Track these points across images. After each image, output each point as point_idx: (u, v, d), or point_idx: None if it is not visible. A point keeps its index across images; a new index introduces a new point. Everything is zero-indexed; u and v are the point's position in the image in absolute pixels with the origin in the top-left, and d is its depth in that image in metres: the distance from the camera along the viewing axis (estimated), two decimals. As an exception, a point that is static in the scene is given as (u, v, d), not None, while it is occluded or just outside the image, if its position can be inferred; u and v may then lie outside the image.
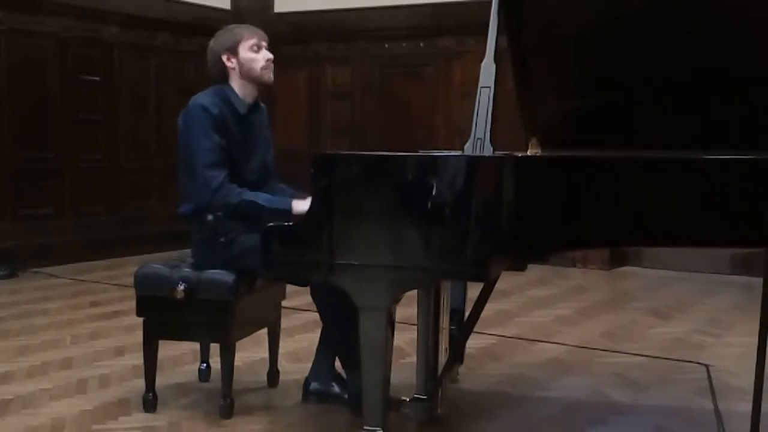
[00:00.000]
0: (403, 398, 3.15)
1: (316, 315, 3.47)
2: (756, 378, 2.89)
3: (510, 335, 4.77)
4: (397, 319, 2.87)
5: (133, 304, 3.38)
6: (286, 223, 2.86)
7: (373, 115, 8.22)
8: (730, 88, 2.93)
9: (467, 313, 3.25)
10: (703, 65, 2.93)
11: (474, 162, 2.69)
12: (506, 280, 5.28)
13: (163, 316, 3.33)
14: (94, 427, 3.26)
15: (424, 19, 7.76)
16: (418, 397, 3.20)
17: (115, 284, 6.14)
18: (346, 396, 3.43)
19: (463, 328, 3.41)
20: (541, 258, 3.12)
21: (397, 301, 2.76)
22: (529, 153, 3.20)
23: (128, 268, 5.83)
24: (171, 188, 7.03)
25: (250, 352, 4.11)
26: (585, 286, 6.47)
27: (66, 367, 4.04)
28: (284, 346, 3.95)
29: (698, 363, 4.20)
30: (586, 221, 2.68)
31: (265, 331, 3.70)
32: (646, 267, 7.11)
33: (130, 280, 3.45)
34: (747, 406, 3.00)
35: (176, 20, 7.90)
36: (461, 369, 3.88)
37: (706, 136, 2.94)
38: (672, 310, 5.56)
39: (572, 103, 3.23)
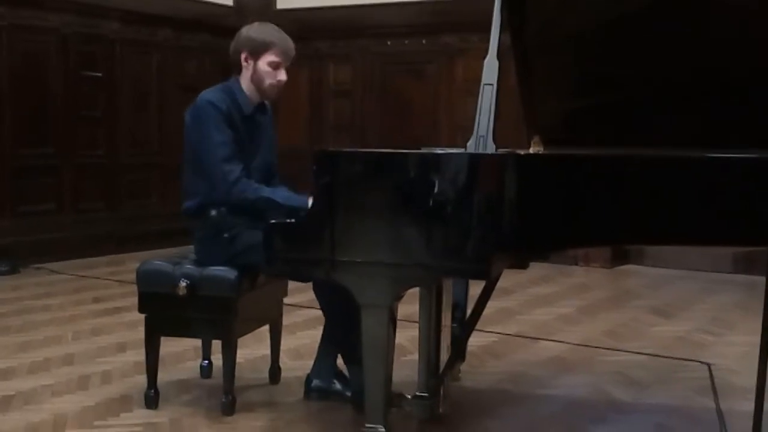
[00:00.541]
0: (405, 395, 3.15)
1: (318, 312, 3.47)
2: (758, 377, 2.89)
3: (512, 333, 4.77)
4: (398, 317, 2.87)
5: (134, 300, 3.38)
6: (288, 220, 2.86)
7: (375, 112, 8.21)
8: (730, 88, 2.92)
9: (469, 311, 3.25)
10: (703, 64, 2.93)
11: (476, 159, 2.69)
12: (508, 278, 5.27)
13: (165, 312, 3.33)
14: (96, 423, 3.26)
15: (426, 16, 7.75)
16: (420, 395, 3.20)
17: (116, 280, 6.14)
18: (347, 393, 3.43)
19: (465, 326, 3.41)
20: (542, 256, 3.12)
21: (398, 298, 2.76)
22: (531, 151, 3.19)
23: (129, 264, 5.83)
24: (172, 185, 7.04)
25: (252, 348, 4.11)
26: (587, 284, 6.46)
27: (68, 363, 4.04)
28: (286, 343, 3.95)
29: (700, 362, 4.20)
30: (587, 219, 2.68)
31: (266, 327, 3.70)
32: (648, 265, 7.10)
33: (132, 277, 3.45)
34: (749, 405, 3.00)
35: (178, 16, 7.90)
36: (463, 367, 3.88)
37: (707, 135, 2.93)
38: (674, 308, 5.55)
39: (574, 101, 3.23)
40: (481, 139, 2.79)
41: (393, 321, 2.78)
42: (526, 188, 2.63)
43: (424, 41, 7.92)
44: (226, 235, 3.31)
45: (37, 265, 6.60)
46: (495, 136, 2.78)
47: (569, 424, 3.38)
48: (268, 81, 3.38)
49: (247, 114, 3.40)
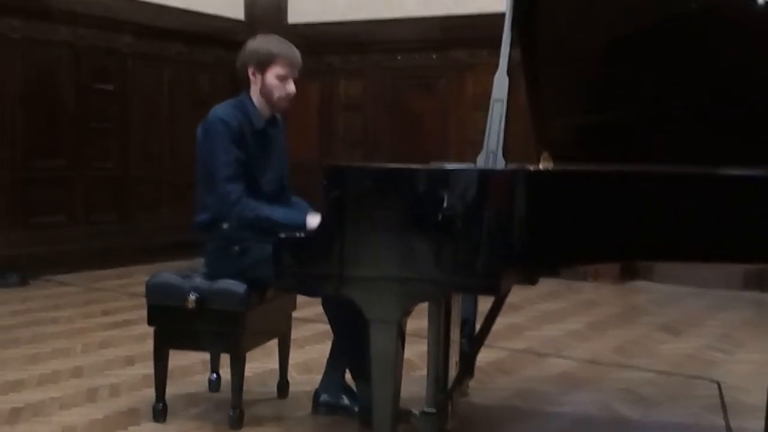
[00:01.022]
0: (414, 411, 3.14)
1: (327, 326, 3.47)
2: (768, 395, 2.88)
3: (520, 349, 4.76)
4: (407, 332, 2.86)
5: (144, 313, 3.39)
6: (298, 235, 2.86)
7: (385, 127, 8.23)
8: (744, 105, 2.92)
9: (478, 327, 3.24)
10: (713, 82, 2.93)
11: (486, 175, 2.69)
12: (517, 294, 5.24)
13: (174, 325, 3.34)
14: (104, 436, 3.27)
15: (436, 31, 7.77)
16: (428, 411, 3.19)
17: (126, 293, 6.15)
18: (356, 408, 3.42)
19: (474, 342, 3.41)
20: (552, 272, 3.11)
21: (407, 313, 2.76)
22: (540, 167, 3.20)
23: (139, 276, 5.83)
24: (182, 198, 7.07)
25: (261, 362, 4.11)
26: (596, 300, 6.44)
27: (76, 375, 4.05)
28: (294, 357, 3.94)
29: (709, 379, 4.18)
30: (597, 235, 2.67)
31: (275, 341, 3.70)
32: (658, 282, 7.07)
33: (142, 289, 3.45)
34: (759, 424, 2.99)
35: (190, 30, 7.94)
36: (471, 382, 3.87)
37: (717, 152, 2.93)
38: (683, 325, 5.53)
39: (583, 117, 3.23)
40: (491, 155, 2.80)
41: (402, 336, 2.78)
42: (535, 204, 2.63)
43: (434, 56, 7.94)
44: (236, 249, 3.32)
45: (47, 277, 6.62)
46: (505, 151, 2.79)
47: (578, 441, 3.37)
48: (277, 94, 3.39)
49: (259, 128, 3.41)
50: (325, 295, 3.16)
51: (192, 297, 3.24)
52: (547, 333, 5.22)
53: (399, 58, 8.12)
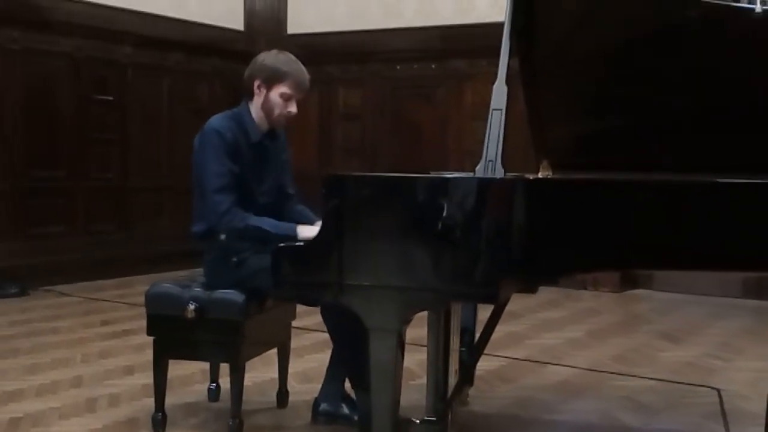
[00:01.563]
0: (414, 419, 3.13)
1: (326, 335, 3.47)
2: (768, 403, 2.88)
3: (520, 357, 4.76)
4: (406, 341, 2.86)
5: (143, 323, 3.38)
6: (297, 244, 2.86)
7: (384, 136, 8.24)
8: (743, 112, 2.93)
9: (477, 335, 3.24)
10: (712, 89, 2.94)
11: (485, 184, 2.69)
12: (517, 302, 5.25)
13: (173, 335, 3.33)
14: (103, 446, 3.27)
15: (435, 40, 7.79)
16: (428, 419, 3.18)
17: (125, 303, 6.15)
18: (355, 417, 3.42)
19: (474, 350, 3.40)
20: (552, 280, 3.11)
21: (407, 322, 2.75)
22: (540, 175, 3.20)
23: (138, 287, 5.83)
24: (182, 208, 7.04)
25: (260, 372, 4.10)
26: (596, 308, 6.44)
27: (76, 385, 4.05)
28: (294, 366, 3.94)
29: (710, 387, 4.17)
30: (596, 244, 2.67)
31: (274, 351, 3.70)
32: (657, 290, 7.08)
33: (141, 299, 3.45)
34: (759, 431, 2.98)
35: (189, 41, 7.96)
36: (471, 391, 3.87)
37: (719, 159, 2.93)
38: (683, 333, 5.53)
39: (583, 126, 3.24)
40: (490, 164, 2.80)
41: (401, 345, 2.77)
42: (534, 213, 2.64)
43: (433, 66, 7.96)
44: (234, 259, 3.31)
45: (46, 287, 6.61)
46: (504, 160, 2.79)
47: (578, 449, 3.37)
48: (277, 111, 3.38)
49: (255, 141, 3.41)
50: (325, 304, 3.17)
51: (191, 307, 3.24)
52: (546, 341, 5.21)
53: (398, 67, 8.14)
